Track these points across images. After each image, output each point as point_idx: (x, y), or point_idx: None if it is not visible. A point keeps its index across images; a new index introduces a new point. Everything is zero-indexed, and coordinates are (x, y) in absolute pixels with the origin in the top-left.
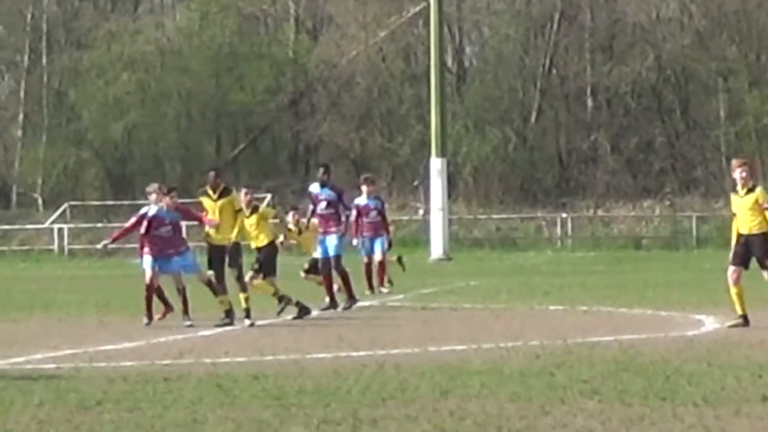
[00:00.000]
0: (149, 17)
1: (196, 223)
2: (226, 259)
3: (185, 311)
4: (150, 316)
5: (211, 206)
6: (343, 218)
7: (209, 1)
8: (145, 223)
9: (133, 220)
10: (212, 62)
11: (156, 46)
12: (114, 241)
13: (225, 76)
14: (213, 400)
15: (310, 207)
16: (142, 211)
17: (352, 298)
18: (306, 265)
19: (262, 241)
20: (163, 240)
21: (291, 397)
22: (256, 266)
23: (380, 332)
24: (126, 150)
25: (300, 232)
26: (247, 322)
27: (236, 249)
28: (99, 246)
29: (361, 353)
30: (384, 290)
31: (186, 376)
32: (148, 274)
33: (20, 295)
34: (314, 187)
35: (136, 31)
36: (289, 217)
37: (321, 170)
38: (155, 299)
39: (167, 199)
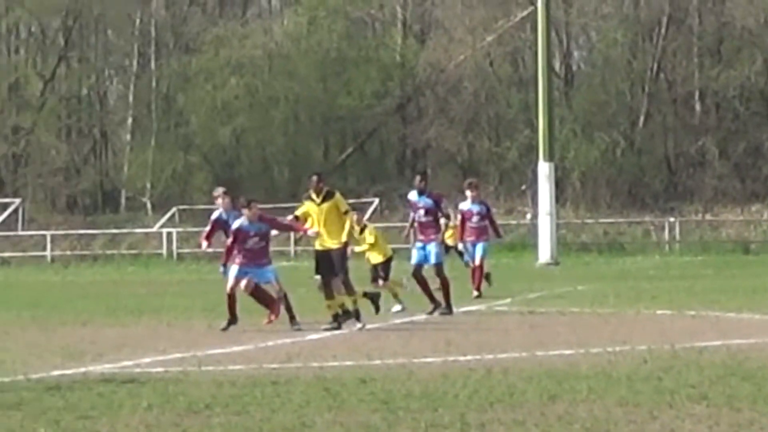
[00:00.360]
0: (257, 22)
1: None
2: (334, 264)
3: (292, 316)
4: (230, 322)
5: (316, 211)
6: (443, 225)
7: (317, 5)
8: (231, 236)
9: (208, 227)
10: (320, 66)
11: (264, 51)
12: (209, 245)
13: (333, 80)
14: (321, 404)
15: (411, 215)
16: (214, 215)
17: (449, 307)
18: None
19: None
20: (253, 252)
21: (399, 401)
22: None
23: (488, 336)
24: (234, 154)
25: (361, 232)
26: (358, 324)
27: (343, 253)
28: (202, 248)
29: (469, 357)
30: (475, 294)
31: (294, 380)
32: (230, 283)
33: (129, 299)
34: (412, 195)
35: (244, 35)
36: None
37: (418, 178)
38: (255, 305)
39: (246, 211)
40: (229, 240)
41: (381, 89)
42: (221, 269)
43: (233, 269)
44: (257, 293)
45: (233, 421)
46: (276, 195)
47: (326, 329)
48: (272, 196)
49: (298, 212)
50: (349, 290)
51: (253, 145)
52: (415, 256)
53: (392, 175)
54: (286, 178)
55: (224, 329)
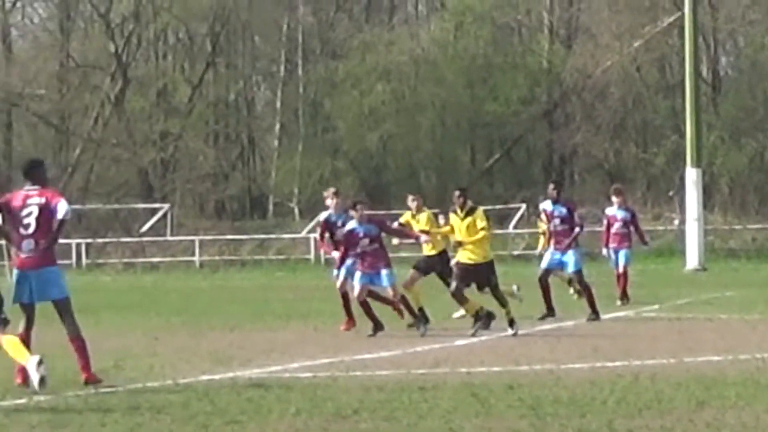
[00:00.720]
0: (403, 27)
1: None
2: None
3: (415, 317)
4: (376, 327)
5: (459, 225)
6: (576, 231)
7: (464, 11)
8: (344, 238)
9: (319, 229)
10: (467, 72)
11: (410, 57)
12: (327, 247)
13: (479, 86)
14: (468, 410)
15: (547, 225)
16: (323, 216)
17: (595, 312)
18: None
19: (434, 248)
20: (368, 254)
21: (546, 407)
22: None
23: (635, 342)
24: (381, 160)
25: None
26: (510, 331)
27: (490, 266)
28: (331, 255)
29: (617, 363)
30: (618, 303)
31: (441, 386)
32: (357, 291)
33: (277, 304)
34: (546, 204)
35: (390, 41)
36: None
37: (551, 186)
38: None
39: (353, 212)
40: (342, 243)
41: (528, 95)
42: (334, 272)
43: (357, 276)
44: (374, 295)
45: (381, 427)
46: (423, 201)
47: (473, 333)
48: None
49: (401, 219)
50: (502, 301)
51: (400, 151)
52: (545, 261)
53: (539, 181)
54: (433, 184)
55: (372, 335)
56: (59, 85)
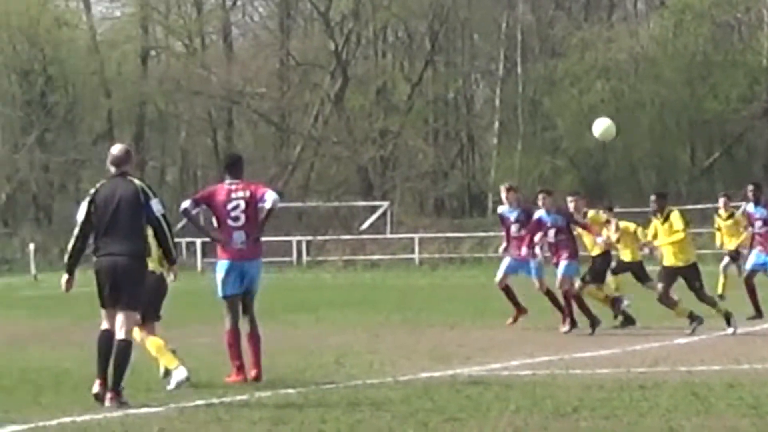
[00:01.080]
0: (622, 25)
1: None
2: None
3: (564, 315)
4: (571, 324)
5: (660, 229)
6: None
7: (683, 9)
8: (531, 227)
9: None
10: (686, 70)
11: (630, 55)
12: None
13: (699, 84)
14: (688, 409)
15: (749, 229)
16: (499, 210)
17: (758, 312)
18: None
19: (596, 249)
20: (552, 245)
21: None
22: (588, 277)
23: None
24: (600, 158)
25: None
26: (730, 330)
27: (694, 268)
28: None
29: None
30: None
31: (661, 384)
32: (562, 284)
33: (496, 302)
34: (749, 207)
35: (609, 39)
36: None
37: (749, 188)
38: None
39: (539, 202)
40: (528, 231)
41: (748, 93)
42: (503, 264)
43: (563, 265)
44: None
45: (600, 425)
46: (642, 200)
47: (691, 332)
48: (639, 201)
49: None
50: (710, 302)
51: (619, 150)
52: (749, 262)
53: (759, 180)
54: (652, 183)
55: (591, 333)
56: (279, 83)
